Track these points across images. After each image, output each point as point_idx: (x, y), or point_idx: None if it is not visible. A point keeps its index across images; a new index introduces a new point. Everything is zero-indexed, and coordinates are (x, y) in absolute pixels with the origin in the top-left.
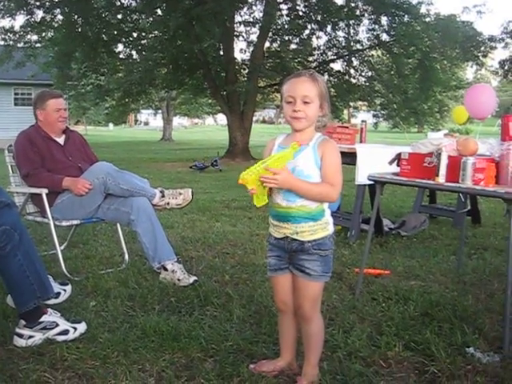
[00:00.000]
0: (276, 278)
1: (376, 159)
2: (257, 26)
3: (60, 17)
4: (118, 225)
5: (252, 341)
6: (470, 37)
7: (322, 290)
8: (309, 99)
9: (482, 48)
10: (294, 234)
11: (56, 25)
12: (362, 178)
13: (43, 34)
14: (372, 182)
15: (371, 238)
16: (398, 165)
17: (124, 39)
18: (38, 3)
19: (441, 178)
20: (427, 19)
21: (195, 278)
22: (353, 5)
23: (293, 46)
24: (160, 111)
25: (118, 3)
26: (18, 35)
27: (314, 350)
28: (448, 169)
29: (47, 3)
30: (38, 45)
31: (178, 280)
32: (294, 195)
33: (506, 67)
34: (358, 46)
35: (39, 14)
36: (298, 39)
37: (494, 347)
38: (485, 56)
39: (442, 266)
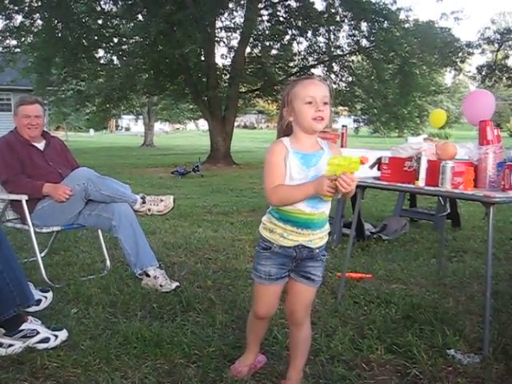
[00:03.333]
0: (272, 287)
1: None
2: (238, 31)
3: (40, 22)
4: (100, 231)
5: (235, 346)
6: (448, 43)
7: None
8: (327, 100)
9: (460, 54)
10: (308, 241)
11: (35, 30)
12: None
13: (22, 39)
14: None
15: (353, 242)
16: (378, 169)
17: (105, 44)
18: (16, 8)
19: (421, 182)
20: (406, 25)
21: (177, 283)
22: (333, 11)
23: (274, 52)
24: (141, 117)
25: (99, 8)
26: None
27: (302, 355)
28: (428, 173)
29: (26, 8)
30: (18, 50)
31: (160, 286)
32: (318, 201)
33: (484, 73)
34: (339, 52)
35: (18, 18)
36: (278, 45)
37: (474, 348)
38: (463, 62)
39: (422, 269)
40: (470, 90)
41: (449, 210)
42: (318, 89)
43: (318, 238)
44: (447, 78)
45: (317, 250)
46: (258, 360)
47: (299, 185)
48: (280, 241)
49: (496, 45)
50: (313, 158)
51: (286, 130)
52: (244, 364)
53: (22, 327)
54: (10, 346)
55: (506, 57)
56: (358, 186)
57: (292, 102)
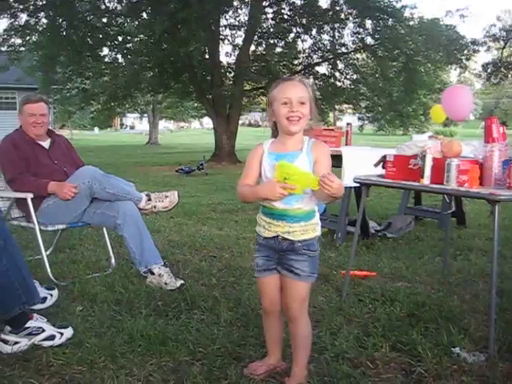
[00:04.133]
0: (264, 278)
1: (361, 162)
2: (242, 29)
3: (44, 20)
4: (105, 229)
5: (239, 343)
6: (454, 40)
7: (309, 291)
8: (304, 100)
9: (465, 51)
10: (286, 233)
11: (40, 28)
12: (347, 180)
13: (27, 38)
14: (358, 185)
15: (357, 240)
16: (383, 167)
17: (109, 43)
18: (21, 7)
19: (426, 180)
20: (411, 23)
21: (182, 281)
22: (337, 8)
23: (278, 50)
24: (146, 115)
25: (103, 7)
26: (1, 39)
27: (302, 350)
28: (433, 170)
29: (31, 7)
30: (23, 48)
31: (165, 284)
32: (291, 199)
33: (489, 70)
34: (343, 49)
35: (23, 17)
36: (283, 42)
37: (480, 347)
38: (468, 59)
39: (427, 267)
40: (476, 87)
41: (454, 208)
42: (294, 89)
43: (298, 231)
44: (452, 75)
45: (299, 244)
46: (278, 363)
47: (252, 188)
48: (262, 232)
49: (502, 42)
50: (288, 158)
51: (273, 129)
52: (262, 363)
53: (28, 325)
54: (16, 343)
55: None
56: (362, 184)
57: (272, 104)
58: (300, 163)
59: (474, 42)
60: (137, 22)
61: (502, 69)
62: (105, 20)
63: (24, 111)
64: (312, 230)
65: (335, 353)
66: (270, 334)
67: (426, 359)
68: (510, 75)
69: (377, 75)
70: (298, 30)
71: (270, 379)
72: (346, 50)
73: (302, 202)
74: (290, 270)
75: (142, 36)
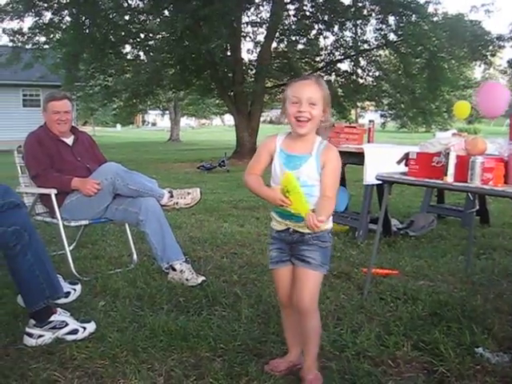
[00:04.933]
0: (277, 270)
1: (384, 159)
2: (264, 26)
3: (68, 18)
4: (127, 225)
5: (260, 340)
6: (478, 36)
7: (320, 285)
8: (314, 101)
9: (491, 47)
10: (296, 226)
11: (64, 26)
12: (369, 177)
13: (51, 36)
14: (380, 182)
15: (379, 237)
16: (406, 164)
17: (131, 40)
18: (45, 5)
19: (449, 178)
20: (435, 19)
21: (203, 277)
22: (360, 5)
23: (300, 47)
24: (167, 112)
25: (126, 4)
26: (26, 37)
27: (314, 343)
28: (456, 168)
29: (55, 5)
30: (46, 46)
31: (187, 280)
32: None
33: None
34: (366, 46)
35: (47, 15)
36: (305, 39)
37: (504, 347)
38: (493, 55)
39: (450, 266)
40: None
41: (477, 207)
42: (306, 89)
43: (305, 226)
44: (477, 72)
45: (308, 236)
46: (298, 360)
47: (261, 187)
48: (274, 226)
49: None
50: (297, 161)
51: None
52: (283, 360)
53: (52, 319)
54: (40, 336)
55: None
56: (384, 182)
57: (285, 102)
58: (308, 168)
59: (499, 38)
60: (159, 20)
61: None
62: (127, 17)
63: (48, 108)
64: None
65: (356, 351)
66: (288, 329)
67: (449, 359)
68: None
69: (399, 72)
70: (320, 26)
71: (290, 376)
72: (368, 47)
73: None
74: (301, 259)
75: (163, 33)
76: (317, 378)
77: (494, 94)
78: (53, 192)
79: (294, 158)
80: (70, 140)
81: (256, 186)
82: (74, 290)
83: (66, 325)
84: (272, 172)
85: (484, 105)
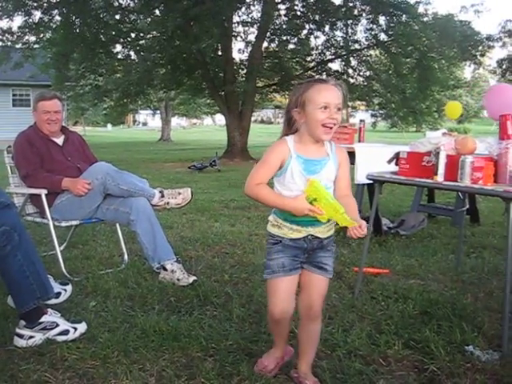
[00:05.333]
0: (287, 278)
1: (374, 158)
2: (255, 26)
3: (58, 18)
4: (118, 225)
5: (252, 340)
6: (468, 36)
7: None
8: (340, 106)
9: (480, 47)
10: (317, 231)
11: (54, 26)
12: (360, 177)
13: (41, 35)
14: (371, 181)
15: (370, 237)
16: (396, 164)
17: (122, 40)
18: (35, 4)
19: (439, 177)
20: (425, 19)
21: (195, 277)
22: (351, 4)
23: (291, 46)
24: (158, 112)
25: (116, 4)
26: (15, 36)
27: (315, 347)
28: (446, 168)
29: (45, 4)
30: (36, 46)
31: (178, 280)
32: None
33: (504, 66)
34: (356, 46)
35: (37, 14)
36: (296, 39)
37: (493, 345)
38: (482, 55)
39: (440, 265)
40: (490, 83)
41: (468, 206)
42: (333, 95)
43: (325, 229)
44: (466, 72)
45: (326, 240)
46: (284, 352)
47: (279, 196)
48: (289, 234)
49: None
50: (316, 165)
51: (289, 128)
52: (271, 358)
53: (42, 319)
54: (31, 337)
55: None
56: (375, 181)
57: (305, 105)
58: (328, 171)
59: (488, 38)
60: (149, 19)
61: None
62: (118, 17)
63: (38, 108)
64: (333, 226)
65: (347, 350)
66: (279, 335)
67: (439, 357)
68: None
69: (390, 72)
70: (311, 26)
71: (282, 375)
72: (359, 47)
73: None
74: (319, 267)
75: (154, 33)
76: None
77: (503, 96)
78: (43, 192)
79: (312, 162)
80: (60, 140)
81: (273, 197)
82: (65, 290)
83: (57, 325)
84: (283, 180)
85: (492, 107)
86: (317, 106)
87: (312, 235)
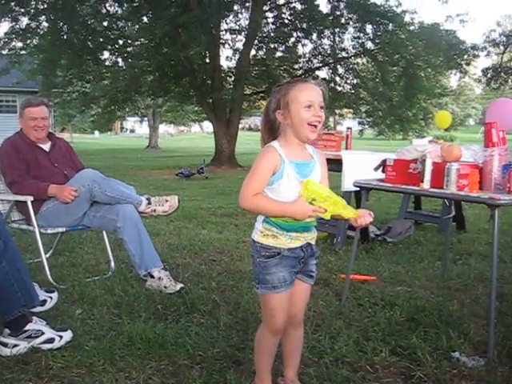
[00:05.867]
0: (286, 293)
1: (361, 166)
2: (243, 33)
3: (45, 24)
4: (104, 232)
5: (239, 347)
6: (454, 45)
7: None
8: (323, 104)
9: (465, 56)
10: (310, 238)
11: (41, 32)
12: (347, 184)
13: (28, 41)
14: (358, 189)
15: (357, 244)
16: (383, 171)
17: (110, 46)
18: (22, 10)
19: (425, 184)
20: (411, 27)
21: (182, 285)
22: (338, 13)
23: (278, 54)
24: (146, 119)
25: (104, 11)
26: (2, 42)
27: (299, 353)
28: (432, 175)
29: (32, 10)
30: (23, 52)
31: (165, 287)
32: None
33: (489, 75)
34: (344, 54)
35: (24, 20)
36: (283, 47)
37: (479, 351)
38: (468, 64)
39: (427, 272)
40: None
41: (454, 213)
42: (316, 93)
43: (315, 236)
44: (452, 80)
45: (314, 247)
46: None
47: (278, 203)
48: (288, 244)
49: (501, 47)
50: (307, 168)
51: (271, 132)
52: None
53: (27, 327)
54: (15, 346)
55: None
56: (362, 188)
57: (289, 106)
58: (316, 172)
59: (473, 47)
60: (137, 26)
61: (502, 74)
62: (105, 24)
63: (25, 115)
64: (316, 231)
65: (335, 357)
66: (270, 355)
67: (426, 363)
68: (509, 80)
69: (377, 80)
70: (299, 34)
71: None
72: (346, 55)
73: None
74: (309, 275)
75: (142, 40)
76: None
77: (505, 110)
78: (29, 199)
79: (303, 165)
80: (46, 146)
81: (273, 205)
82: (51, 297)
83: (42, 334)
84: (278, 187)
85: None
86: (301, 106)
87: (308, 242)
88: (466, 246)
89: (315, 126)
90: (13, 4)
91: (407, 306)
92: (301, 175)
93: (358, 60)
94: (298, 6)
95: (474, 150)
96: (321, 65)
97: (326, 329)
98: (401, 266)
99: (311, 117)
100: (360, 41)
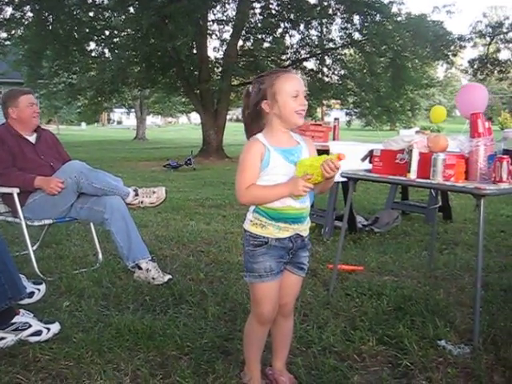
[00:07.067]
0: (274, 282)
1: (349, 156)
2: (230, 24)
3: (30, 14)
4: (92, 224)
5: (227, 338)
6: (440, 36)
7: None
8: (305, 93)
9: (452, 47)
10: (301, 229)
11: (26, 22)
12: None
13: (13, 32)
14: (345, 179)
15: (345, 234)
16: (370, 162)
17: (96, 37)
18: (6, 0)
19: (412, 175)
20: (398, 18)
21: (170, 276)
22: (325, 4)
23: (266, 45)
24: (133, 110)
25: (90, 1)
26: None
27: (288, 345)
28: (419, 165)
29: (16, 0)
30: (8, 42)
31: (153, 279)
32: (305, 196)
33: (475, 66)
34: (331, 45)
35: (8, 10)
36: (271, 38)
37: (465, 339)
38: (454, 55)
39: (414, 262)
40: (463, 82)
41: (440, 203)
42: (300, 83)
43: (307, 227)
44: (439, 71)
45: (306, 239)
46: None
47: (272, 186)
48: (275, 233)
49: (488, 38)
50: (294, 154)
51: (256, 122)
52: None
53: (14, 320)
54: (2, 338)
55: (498, 50)
56: (349, 179)
57: (276, 95)
58: (305, 156)
59: (460, 38)
60: (124, 17)
61: (488, 65)
62: (91, 14)
63: (22, 102)
64: (309, 221)
65: (322, 346)
66: (259, 345)
67: (412, 352)
68: (495, 71)
69: (364, 71)
70: (286, 25)
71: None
72: (333, 46)
73: (309, 199)
74: (300, 267)
75: (129, 30)
76: (292, 381)
77: (474, 95)
78: (15, 191)
79: (289, 151)
80: (32, 138)
81: (269, 191)
82: (38, 290)
83: (29, 326)
84: (265, 175)
85: (464, 106)
86: (288, 95)
87: (297, 234)
88: (453, 235)
89: (302, 113)
90: None
91: (394, 295)
92: (288, 160)
93: (346, 51)
94: None
95: (460, 140)
96: (308, 56)
97: (313, 319)
98: (388, 255)
99: (298, 106)
100: (347, 32)
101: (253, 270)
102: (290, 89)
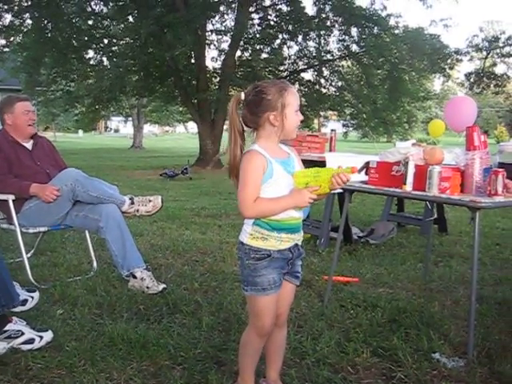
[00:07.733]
0: (276, 295)
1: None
2: (228, 34)
3: (29, 21)
4: (87, 232)
5: (221, 348)
6: (437, 49)
7: None
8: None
9: (449, 60)
10: (298, 238)
11: (25, 29)
12: None
13: (12, 39)
14: (341, 191)
15: (340, 245)
16: (366, 173)
17: (95, 45)
18: (6, 7)
19: (408, 187)
20: (396, 31)
21: (164, 285)
22: (324, 16)
23: (264, 55)
24: (130, 118)
25: (89, 9)
26: None
27: (282, 354)
28: (415, 177)
29: (16, 7)
30: (7, 49)
31: (147, 288)
32: (306, 208)
33: (472, 79)
34: (329, 57)
35: (7, 17)
36: (269, 48)
37: (459, 352)
38: (451, 68)
39: (409, 274)
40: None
41: (436, 215)
42: (298, 97)
43: (302, 236)
44: (436, 84)
45: (301, 248)
46: None
47: (278, 199)
48: (277, 245)
49: (484, 52)
50: (289, 165)
51: (246, 131)
52: None
53: (7, 328)
54: None
55: (494, 64)
56: (345, 190)
57: (284, 109)
58: (297, 168)
59: (457, 52)
60: (123, 25)
61: (485, 78)
62: (90, 22)
63: (17, 109)
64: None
65: (316, 358)
66: (255, 357)
67: (407, 364)
68: (492, 85)
69: (362, 83)
70: (284, 36)
71: None
72: (331, 57)
73: (306, 210)
74: (296, 276)
75: (127, 39)
76: None
77: (462, 108)
78: (10, 198)
79: (286, 162)
80: (29, 144)
81: (275, 203)
82: (32, 297)
83: (22, 334)
84: (269, 186)
85: (451, 119)
86: (293, 109)
87: (295, 243)
88: (448, 248)
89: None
90: None
91: (389, 307)
92: (287, 171)
93: (343, 62)
94: (284, 8)
95: (456, 153)
96: (306, 67)
97: (308, 330)
98: (383, 267)
99: (298, 120)
100: (345, 43)
101: (255, 284)
102: (295, 102)
